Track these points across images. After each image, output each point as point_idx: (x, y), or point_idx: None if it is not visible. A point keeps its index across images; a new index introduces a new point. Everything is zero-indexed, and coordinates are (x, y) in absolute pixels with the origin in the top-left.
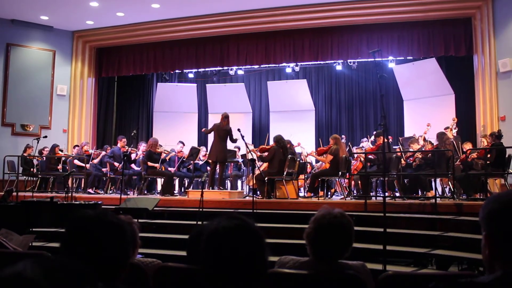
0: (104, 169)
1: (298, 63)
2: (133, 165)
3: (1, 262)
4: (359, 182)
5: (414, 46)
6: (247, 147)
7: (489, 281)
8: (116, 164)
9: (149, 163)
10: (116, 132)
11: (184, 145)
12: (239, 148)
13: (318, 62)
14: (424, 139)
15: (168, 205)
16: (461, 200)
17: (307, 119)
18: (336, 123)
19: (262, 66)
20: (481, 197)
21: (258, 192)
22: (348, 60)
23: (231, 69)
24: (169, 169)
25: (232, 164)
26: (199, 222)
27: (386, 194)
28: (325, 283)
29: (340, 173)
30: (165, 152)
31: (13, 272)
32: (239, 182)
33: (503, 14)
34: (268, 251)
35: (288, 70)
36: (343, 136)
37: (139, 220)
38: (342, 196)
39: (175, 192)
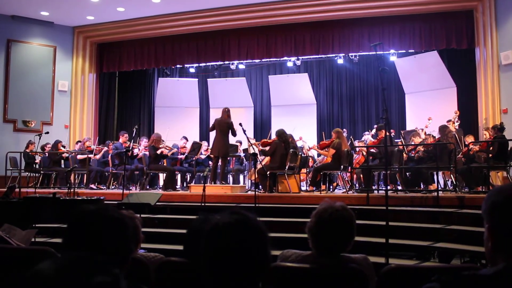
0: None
1: (299, 57)
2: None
3: (4, 258)
4: (361, 175)
5: (416, 39)
6: (248, 141)
7: (491, 273)
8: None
9: (158, 151)
10: (118, 128)
11: (187, 140)
12: (241, 143)
13: (319, 56)
14: (425, 133)
15: (170, 200)
16: (463, 193)
17: (309, 113)
18: (338, 117)
19: (263, 60)
20: (483, 190)
21: (260, 186)
22: (350, 54)
23: (232, 64)
24: (179, 157)
25: (234, 158)
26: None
27: (388, 187)
28: (327, 276)
29: (342, 166)
30: (167, 147)
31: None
32: (241, 177)
33: (505, 7)
34: (271, 245)
35: (289, 64)
36: (344, 130)
37: (142, 215)
38: (344, 190)
39: (177, 187)
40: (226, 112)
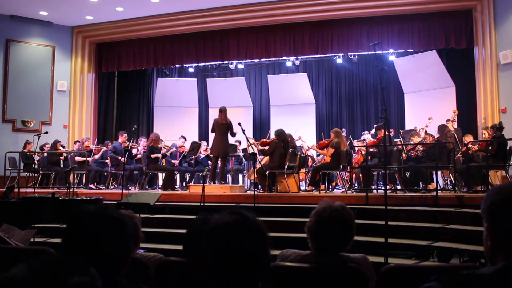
0: (107, 161)
1: (298, 57)
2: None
3: (3, 258)
4: (360, 175)
5: (415, 38)
6: (247, 141)
7: (490, 272)
8: (120, 158)
9: (153, 155)
10: (117, 127)
11: (185, 140)
12: (240, 142)
13: (318, 56)
14: (426, 132)
15: (169, 200)
16: (462, 192)
17: (308, 113)
18: (337, 117)
19: (262, 60)
20: (482, 189)
21: (259, 186)
22: (349, 53)
23: (231, 63)
24: (173, 161)
25: (233, 158)
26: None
27: (387, 187)
28: (326, 276)
29: (341, 166)
30: (166, 147)
31: (7, 275)
32: (240, 176)
33: (504, 6)
34: (270, 245)
35: (289, 63)
36: (343, 129)
37: (141, 215)
38: (343, 189)
39: (176, 186)
40: (222, 112)
